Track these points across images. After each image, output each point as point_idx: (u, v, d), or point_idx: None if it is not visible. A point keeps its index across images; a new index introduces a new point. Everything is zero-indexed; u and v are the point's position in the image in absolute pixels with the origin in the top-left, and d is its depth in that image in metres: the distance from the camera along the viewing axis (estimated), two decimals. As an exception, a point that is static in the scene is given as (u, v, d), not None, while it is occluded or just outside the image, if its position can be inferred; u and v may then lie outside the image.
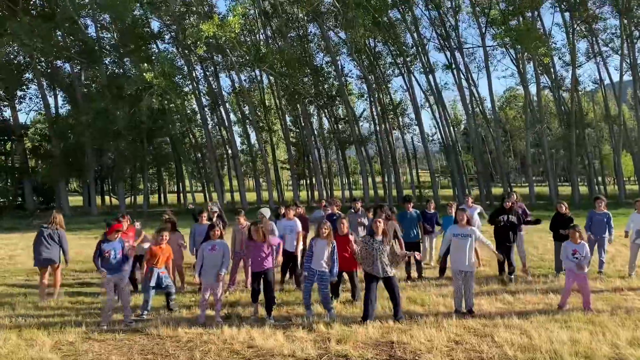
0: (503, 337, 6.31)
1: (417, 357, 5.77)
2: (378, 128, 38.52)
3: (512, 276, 9.63)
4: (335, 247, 7.66)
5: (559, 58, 36.46)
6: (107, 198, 50.71)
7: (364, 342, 6.34)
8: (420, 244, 10.62)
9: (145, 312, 7.81)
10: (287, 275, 10.07)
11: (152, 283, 7.83)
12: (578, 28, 33.97)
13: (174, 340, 6.58)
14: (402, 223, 10.12)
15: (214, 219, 9.92)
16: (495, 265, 10.37)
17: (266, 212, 10.17)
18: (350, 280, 8.50)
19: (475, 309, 7.73)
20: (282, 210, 10.49)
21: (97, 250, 7.50)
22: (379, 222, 7.43)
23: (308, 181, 44.33)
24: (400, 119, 41.92)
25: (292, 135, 43.12)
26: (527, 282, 9.62)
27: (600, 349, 5.78)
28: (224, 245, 7.70)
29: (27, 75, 35.64)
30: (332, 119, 40.71)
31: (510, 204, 9.79)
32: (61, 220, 9.35)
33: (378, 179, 44.77)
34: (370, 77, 38.41)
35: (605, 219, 10.25)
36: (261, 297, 7.62)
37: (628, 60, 32.97)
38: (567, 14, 33.16)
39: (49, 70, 36.19)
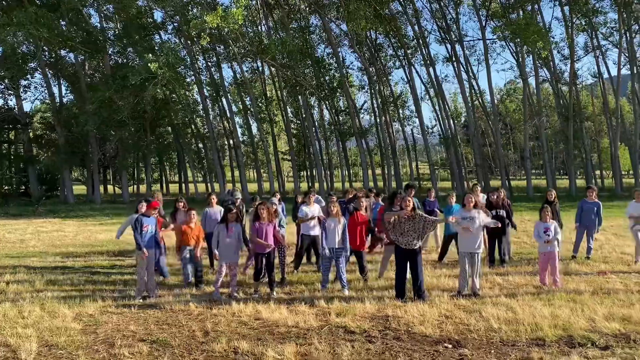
0: (490, 312, 6.82)
1: (410, 329, 6.28)
2: (378, 120, 38.94)
3: (505, 263, 10.21)
4: (346, 225, 8.45)
5: (558, 52, 36.81)
6: (109, 187, 51.24)
7: (361, 315, 6.87)
8: None
9: (189, 282, 8.75)
10: (305, 258, 10.63)
11: (188, 257, 8.78)
12: (577, 22, 34.29)
13: (186, 314, 7.11)
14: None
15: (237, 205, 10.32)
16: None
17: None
18: (358, 260, 8.97)
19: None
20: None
21: (137, 225, 7.91)
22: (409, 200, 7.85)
23: (308, 172, 44.79)
24: (400, 111, 42.31)
25: (293, 126, 43.53)
26: (516, 265, 10.16)
27: (578, 322, 6.30)
28: (238, 227, 8.31)
29: (31, 64, 35.95)
30: (333, 110, 41.09)
31: (496, 198, 10.35)
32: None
33: (378, 170, 45.23)
34: (371, 69, 38.75)
35: (595, 208, 10.62)
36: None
37: (627, 54, 33.33)
38: (566, 8, 33.48)
39: (52, 60, 36.55)
